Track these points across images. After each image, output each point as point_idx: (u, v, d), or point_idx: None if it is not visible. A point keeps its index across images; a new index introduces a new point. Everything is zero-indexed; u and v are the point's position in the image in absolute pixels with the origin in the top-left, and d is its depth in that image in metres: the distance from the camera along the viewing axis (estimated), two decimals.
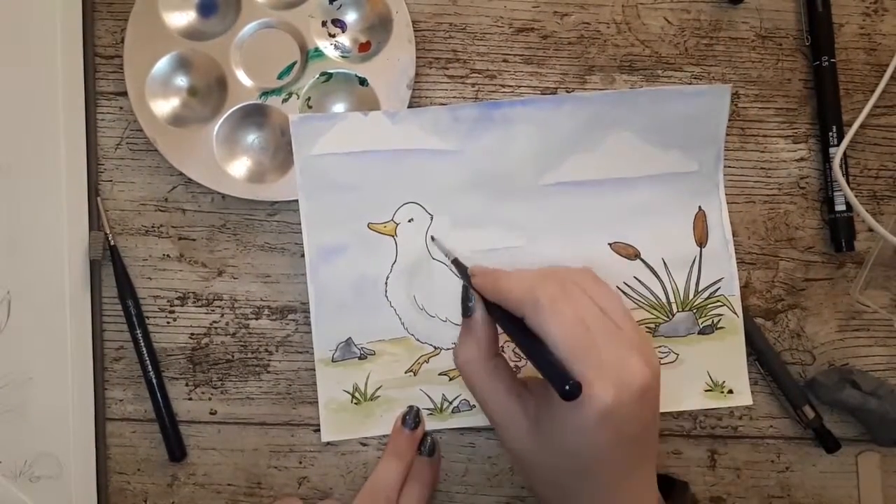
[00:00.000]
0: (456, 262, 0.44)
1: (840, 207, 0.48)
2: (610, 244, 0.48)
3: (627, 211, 0.48)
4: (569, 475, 0.37)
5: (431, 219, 0.47)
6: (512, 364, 0.45)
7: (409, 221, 0.47)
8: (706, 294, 0.48)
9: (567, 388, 0.32)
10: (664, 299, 0.48)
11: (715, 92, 0.47)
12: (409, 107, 0.48)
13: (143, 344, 0.48)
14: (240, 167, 0.48)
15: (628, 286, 0.48)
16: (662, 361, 0.48)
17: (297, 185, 0.47)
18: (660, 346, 0.48)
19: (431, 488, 0.46)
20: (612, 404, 0.33)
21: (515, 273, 0.40)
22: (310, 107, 0.48)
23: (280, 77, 0.48)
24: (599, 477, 0.36)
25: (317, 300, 0.47)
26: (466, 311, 0.40)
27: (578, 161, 0.47)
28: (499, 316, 0.38)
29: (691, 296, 0.48)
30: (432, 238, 0.47)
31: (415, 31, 0.48)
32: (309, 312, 0.48)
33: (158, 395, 0.48)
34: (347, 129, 0.46)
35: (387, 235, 0.47)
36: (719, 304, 0.48)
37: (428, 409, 0.48)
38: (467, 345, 0.39)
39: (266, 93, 0.48)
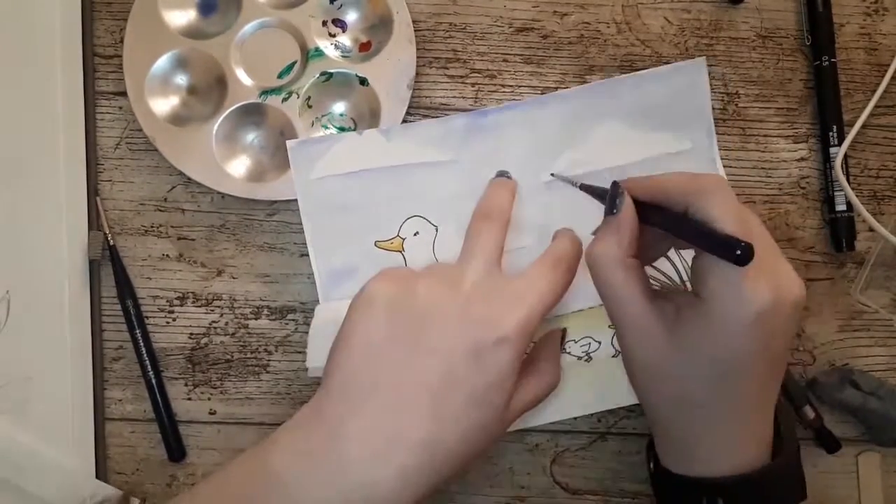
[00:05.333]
0: (584, 187, 0.42)
1: (841, 207, 0.48)
2: None
3: None
4: (703, 385, 0.35)
5: (437, 230, 0.47)
6: None
7: (415, 235, 0.47)
8: None
9: (738, 252, 0.31)
10: (677, 279, 0.48)
11: (691, 67, 0.47)
12: (410, 107, 0.48)
13: (142, 344, 0.48)
14: (239, 166, 0.48)
15: None
16: None
17: (300, 211, 0.47)
18: None
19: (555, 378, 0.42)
20: (770, 307, 0.32)
21: (666, 173, 0.38)
22: (310, 106, 0.48)
23: (280, 76, 0.48)
24: (736, 387, 0.35)
25: (325, 322, 0.45)
26: (612, 208, 0.37)
27: (572, 156, 0.47)
28: (649, 213, 0.37)
29: None
30: (552, 175, 0.46)
31: (415, 30, 0.48)
32: (308, 312, 0.48)
33: (158, 394, 0.48)
34: (344, 150, 0.47)
35: (394, 252, 0.47)
36: None
37: None
38: (606, 240, 0.37)
39: (266, 92, 0.48)
